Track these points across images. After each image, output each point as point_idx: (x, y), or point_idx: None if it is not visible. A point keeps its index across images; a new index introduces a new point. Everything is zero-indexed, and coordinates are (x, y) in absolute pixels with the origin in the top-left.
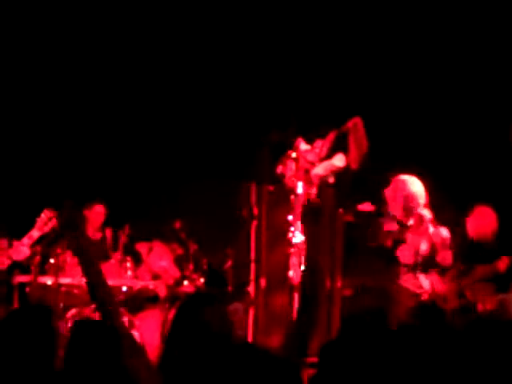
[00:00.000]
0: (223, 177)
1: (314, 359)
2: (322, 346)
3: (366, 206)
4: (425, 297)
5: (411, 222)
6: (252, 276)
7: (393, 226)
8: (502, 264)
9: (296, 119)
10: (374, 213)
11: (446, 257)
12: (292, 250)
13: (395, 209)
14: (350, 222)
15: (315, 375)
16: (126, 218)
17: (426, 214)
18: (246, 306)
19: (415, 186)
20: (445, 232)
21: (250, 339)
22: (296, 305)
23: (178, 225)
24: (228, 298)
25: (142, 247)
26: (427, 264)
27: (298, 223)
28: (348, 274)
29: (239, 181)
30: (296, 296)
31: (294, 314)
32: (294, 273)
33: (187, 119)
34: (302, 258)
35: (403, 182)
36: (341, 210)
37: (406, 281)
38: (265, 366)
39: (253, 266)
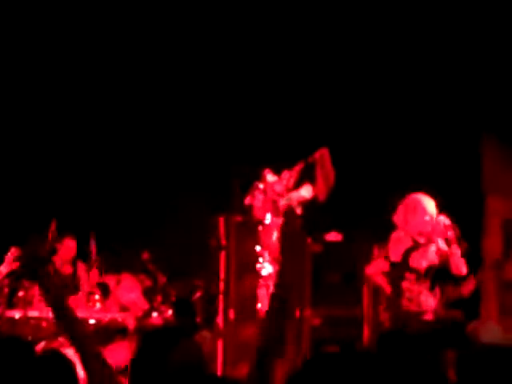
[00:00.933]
0: (192, 209)
1: None
2: (289, 377)
3: (334, 236)
4: (429, 317)
5: (423, 240)
6: (221, 307)
7: (408, 243)
8: (466, 289)
9: (263, 151)
10: (341, 242)
11: (460, 266)
12: (261, 281)
13: (408, 229)
14: (317, 252)
15: None
16: (96, 251)
17: (446, 220)
18: (215, 337)
19: (429, 203)
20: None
21: (218, 370)
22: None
23: (146, 256)
24: (197, 329)
25: (110, 279)
26: (438, 275)
27: (266, 254)
28: (317, 303)
29: (208, 212)
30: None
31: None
32: (262, 304)
33: (155, 151)
34: (271, 289)
35: (417, 200)
36: (309, 239)
37: (409, 300)
38: None
39: (221, 297)
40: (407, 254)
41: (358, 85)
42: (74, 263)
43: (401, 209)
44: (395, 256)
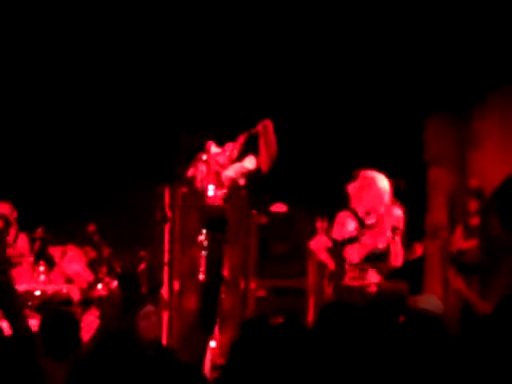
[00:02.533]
0: (137, 180)
1: (221, 360)
2: (230, 347)
3: (279, 207)
4: (372, 289)
5: (372, 220)
6: (165, 278)
7: (352, 229)
8: (416, 252)
9: (209, 122)
10: (286, 213)
11: (398, 258)
12: (202, 252)
13: (359, 204)
14: (263, 223)
15: (220, 376)
16: (39, 222)
17: (398, 212)
18: (160, 308)
19: (383, 182)
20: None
21: (163, 342)
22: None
23: (91, 228)
24: (141, 300)
25: (55, 251)
26: (378, 260)
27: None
28: (262, 274)
29: (153, 183)
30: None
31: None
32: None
33: (101, 123)
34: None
35: (372, 178)
36: (254, 211)
37: (351, 279)
38: (170, 372)
39: (166, 268)
40: (347, 242)
41: (304, 57)
42: (16, 234)
43: (358, 182)
44: (337, 235)
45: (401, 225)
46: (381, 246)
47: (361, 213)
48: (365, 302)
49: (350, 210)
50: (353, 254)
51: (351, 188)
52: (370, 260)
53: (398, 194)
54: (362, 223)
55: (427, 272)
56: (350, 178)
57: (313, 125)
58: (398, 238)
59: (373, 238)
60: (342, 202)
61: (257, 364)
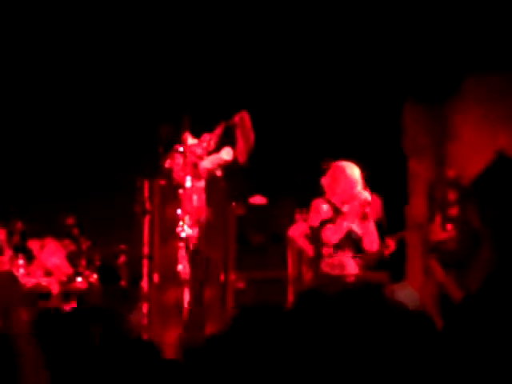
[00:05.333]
0: (116, 172)
1: None
2: (208, 339)
3: (258, 199)
4: (351, 279)
5: (346, 208)
6: (145, 271)
7: (327, 213)
8: (388, 247)
9: (186, 114)
10: (265, 205)
11: (372, 242)
12: (181, 244)
13: (333, 196)
14: (241, 215)
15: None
16: (18, 215)
17: (367, 196)
18: (140, 301)
19: (354, 171)
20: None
21: (144, 334)
22: (187, 299)
23: (70, 221)
24: (121, 293)
25: (34, 244)
26: (355, 245)
27: (187, 217)
28: (241, 266)
29: (132, 176)
30: (186, 290)
31: (185, 309)
32: (183, 267)
33: (79, 115)
34: (191, 252)
35: (342, 168)
36: (233, 203)
37: (328, 265)
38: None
39: (145, 261)
40: (324, 223)
41: (282, 47)
42: None
43: (330, 173)
44: (314, 222)
45: (372, 209)
46: (356, 230)
47: (336, 203)
48: (341, 291)
49: (324, 198)
50: (330, 235)
51: (324, 181)
52: (348, 243)
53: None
54: (337, 210)
55: (408, 262)
56: (323, 170)
57: (291, 116)
58: (370, 223)
59: (348, 223)
60: (318, 194)
61: (235, 357)
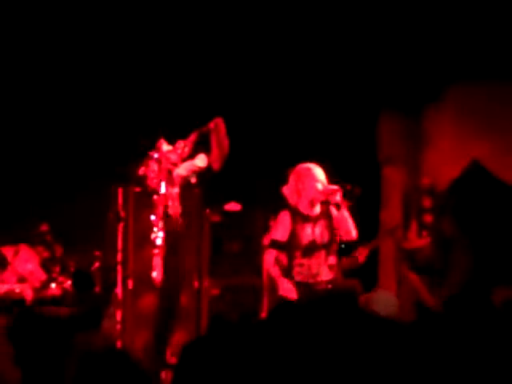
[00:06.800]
0: (90, 179)
1: (174, 360)
2: (182, 347)
3: (233, 206)
4: (323, 286)
5: (316, 211)
6: (119, 278)
7: (293, 224)
8: (361, 256)
9: (160, 121)
10: (240, 212)
11: (349, 231)
12: (155, 251)
13: (299, 201)
14: (216, 221)
15: (174, 377)
16: None
17: (333, 187)
18: (114, 308)
19: (316, 171)
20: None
21: (117, 341)
22: (159, 306)
23: (44, 227)
24: (96, 299)
25: (7, 250)
26: (327, 251)
27: (161, 223)
28: (215, 273)
29: (106, 183)
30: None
31: (157, 315)
32: (157, 274)
33: (53, 122)
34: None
35: (305, 170)
36: (207, 210)
37: (299, 273)
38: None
39: (120, 267)
40: (292, 233)
41: (255, 54)
42: None
43: (291, 179)
44: (281, 236)
45: (340, 198)
46: (323, 237)
47: (303, 208)
48: (315, 299)
49: (289, 210)
50: (299, 243)
51: (286, 189)
52: (319, 249)
53: (353, 199)
54: (304, 217)
55: (381, 269)
56: (284, 179)
57: (266, 122)
58: (343, 212)
59: (318, 232)
60: (277, 204)
61: (210, 364)
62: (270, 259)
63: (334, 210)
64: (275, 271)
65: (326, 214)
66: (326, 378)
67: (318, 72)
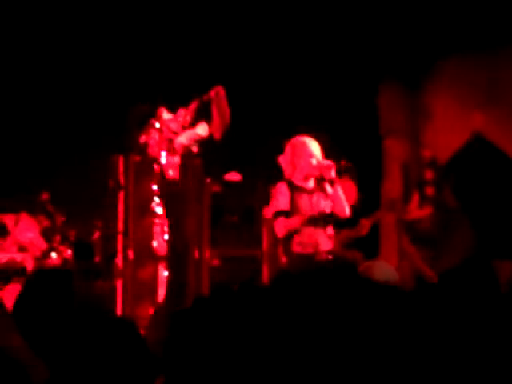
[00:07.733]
0: (90, 148)
1: None
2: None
3: (233, 176)
4: (324, 257)
5: (311, 184)
6: (119, 247)
7: (283, 198)
8: (364, 228)
9: (161, 89)
10: (241, 182)
11: (343, 207)
12: (156, 220)
13: (293, 172)
14: (216, 192)
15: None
16: None
17: (326, 163)
18: (114, 277)
19: (311, 144)
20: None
21: (118, 310)
22: (162, 275)
23: (44, 196)
24: (96, 269)
25: (8, 219)
26: (327, 220)
27: (161, 192)
28: (216, 244)
29: (106, 152)
30: (160, 266)
31: (158, 285)
32: (158, 243)
33: (51, 90)
34: (165, 228)
35: (300, 144)
36: (208, 179)
37: (299, 244)
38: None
39: (120, 237)
40: (291, 202)
41: (255, 23)
42: None
43: (287, 151)
44: (283, 205)
45: (334, 173)
46: (323, 208)
47: (298, 181)
48: (315, 270)
49: (285, 181)
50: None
51: (282, 159)
52: (318, 219)
53: (342, 174)
54: (300, 189)
55: (382, 241)
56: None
57: (266, 92)
58: (337, 188)
59: (314, 202)
60: (278, 175)
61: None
62: (280, 226)
63: (328, 187)
64: (294, 221)
65: (320, 189)
66: (328, 348)
67: (319, 43)
